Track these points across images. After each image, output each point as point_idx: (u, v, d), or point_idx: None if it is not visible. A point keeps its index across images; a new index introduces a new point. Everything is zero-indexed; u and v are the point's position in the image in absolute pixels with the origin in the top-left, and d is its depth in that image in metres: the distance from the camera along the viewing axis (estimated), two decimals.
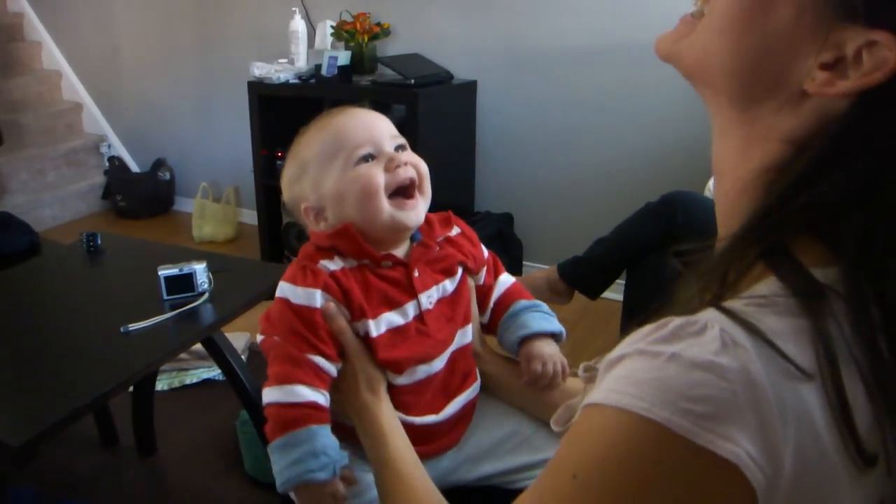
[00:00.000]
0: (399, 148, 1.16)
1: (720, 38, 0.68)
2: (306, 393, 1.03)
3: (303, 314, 1.06)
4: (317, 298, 1.07)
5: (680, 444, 0.55)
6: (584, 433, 0.62)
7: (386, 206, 1.10)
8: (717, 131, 0.73)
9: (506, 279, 1.29)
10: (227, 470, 2.41)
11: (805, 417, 0.56)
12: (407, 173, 1.12)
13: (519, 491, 1.19)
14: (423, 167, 1.16)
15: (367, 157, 1.12)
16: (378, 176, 1.10)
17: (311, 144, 1.16)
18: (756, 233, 0.65)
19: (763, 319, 0.59)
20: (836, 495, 0.58)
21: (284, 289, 1.09)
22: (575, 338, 3.13)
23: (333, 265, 1.10)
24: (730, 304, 0.62)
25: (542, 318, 1.23)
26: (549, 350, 1.20)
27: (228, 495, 2.32)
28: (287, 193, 1.21)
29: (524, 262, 3.79)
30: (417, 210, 1.14)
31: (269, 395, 1.04)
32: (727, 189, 0.72)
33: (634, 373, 0.59)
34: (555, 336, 1.22)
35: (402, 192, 1.12)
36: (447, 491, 1.06)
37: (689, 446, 0.55)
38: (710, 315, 0.60)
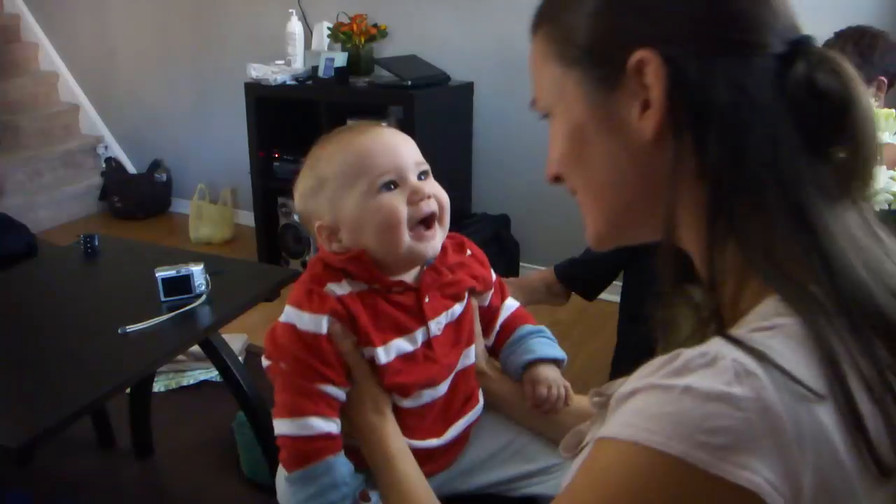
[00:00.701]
0: (422, 175, 1.13)
1: (589, 192, 0.78)
2: (320, 425, 1.04)
3: (310, 341, 1.05)
4: (323, 325, 1.05)
5: (699, 477, 0.56)
6: (601, 467, 0.62)
7: (406, 238, 1.07)
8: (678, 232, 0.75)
9: (511, 303, 1.29)
10: (224, 471, 2.41)
11: (822, 439, 0.57)
12: (430, 207, 1.09)
13: (514, 500, 1.20)
14: (445, 199, 1.13)
15: (390, 185, 1.08)
16: (401, 208, 1.07)
17: (332, 161, 1.12)
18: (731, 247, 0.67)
19: (771, 345, 0.60)
20: None
21: (290, 314, 1.07)
22: (572, 339, 3.13)
23: (341, 290, 1.08)
24: (736, 332, 0.63)
25: (546, 343, 1.23)
26: (552, 374, 1.20)
27: (225, 497, 2.32)
28: (300, 204, 1.18)
29: (521, 264, 3.80)
30: (436, 242, 1.11)
31: (282, 426, 1.04)
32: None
33: (649, 407, 0.60)
34: (557, 362, 1.23)
35: (422, 222, 1.10)
36: (447, 500, 1.07)
37: (708, 478, 0.55)
38: (719, 346, 0.61)
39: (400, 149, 1.12)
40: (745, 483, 0.55)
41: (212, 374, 2.87)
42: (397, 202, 1.07)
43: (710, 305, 0.69)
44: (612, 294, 2.53)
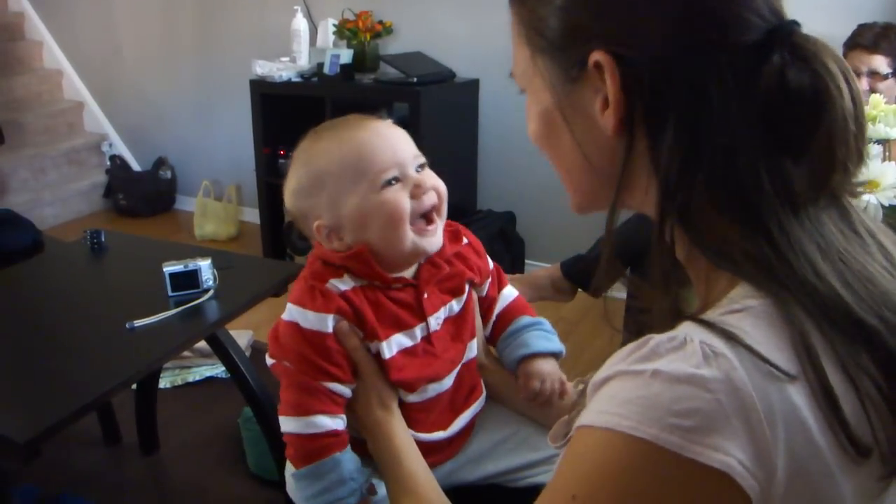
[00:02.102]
0: (420, 167, 1.12)
1: (561, 167, 0.80)
2: (326, 422, 1.04)
3: (314, 340, 1.05)
4: (328, 323, 1.05)
5: (670, 459, 0.56)
6: (579, 455, 0.63)
7: (410, 233, 1.07)
8: (611, 209, 0.76)
9: (509, 293, 1.28)
10: (230, 467, 2.41)
11: (794, 418, 0.57)
12: (431, 200, 1.09)
13: (519, 490, 1.20)
14: (443, 189, 1.13)
15: (393, 181, 1.08)
16: (405, 203, 1.07)
17: (329, 158, 1.10)
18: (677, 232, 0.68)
19: (740, 326, 0.60)
20: (833, 489, 0.58)
21: (294, 312, 1.07)
22: (577, 336, 3.13)
23: (344, 285, 1.08)
24: (707, 315, 0.63)
25: (543, 336, 1.22)
26: (547, 368, 1.19)
27: (231, 493, 2.32)
28: (294, 203, 1.15)
29: (526, 261, 3.80)
30: (438, 235, 1.11)
31: (288, 424, 1.05)
32: None
33: (619, 393, 0.61)
34: (555, 355, 1.22)
35: (424, 215, 1.10)
36: (450, 490, 1.07)
37: (679, 460, 0.56)
38: (687, 329, 0.61)
39: (398, 143, 1.11)
40: (717, 464, 0.55)
41: (217, 370, 2.87)
42: (401, 197, 1.07)
43: (670, 295, 0.69)
44: (617, 291, 2.52)
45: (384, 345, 1.08)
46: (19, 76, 5.09)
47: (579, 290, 2.48)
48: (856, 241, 0.66)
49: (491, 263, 1.26)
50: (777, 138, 0.64)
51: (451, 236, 1.19)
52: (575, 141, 0.74)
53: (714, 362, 0.57)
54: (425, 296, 1.12)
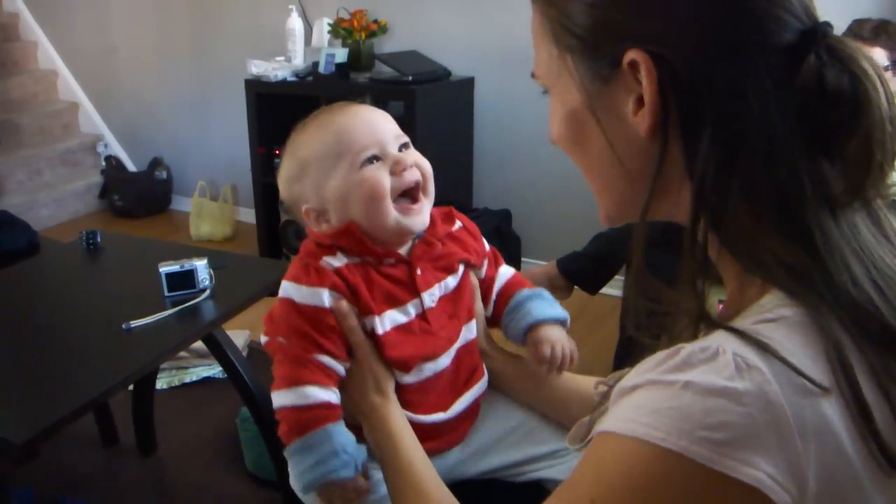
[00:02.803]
0: (403, 147, 1.13)
1: (589, 173, 0.78)
2: (318, 393, 1.03)
3: (308, 314, 1.05)
4: (324, 298, 1.05)
5: (700, 473, 0.55)
6: (602, 460, 0.62)
7: (392, 210, 1.08)
8: (643, 210, 0.74)
9: (506, 270, 1.28)
10: (228, 468, 2.41)
11: (826, 432, 0.56)
12: (413, 176, 1.10)
13: (523, 484, 1.20)
14: (428, 167, 1.13)
15: (372, 159, 1.09)
16: (384, 180, 1.08)
17: (311, 143, 1.13)
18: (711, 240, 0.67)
19: (774, 337, 0.59)
20: (864, 503, 0.58)
21: (288, 288, 1.07)
22: (574, 333, 3.11)
23: (337, 261, 1.08)
24: (739, 323, 0.62)
25: (546, 304, 1.22)
26: (556, 334, 1.18)
27: (229, 493, 2.32)
28: (285, 191, 1.17)
29: (523, 259, 3.80)
30: (423, 214, 1.12)
31: (280, 398, 1.04)
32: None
33: (649, 402, 0.60)
34: (560, 322, 1.21)
35: (408, 194, 1.10)
36: (452, 485, 1.06)
37: (709, 474, 0.55)
38: (720, 339, 0.61)
39: (379, 123, 1.13)
40: (748, 479, 0.55)
41: (214, 370, 2.87)
42: (380, 174, 1.08)
43: (701, 299, 0.68)
44: (614, 289, 2.53)
45: (377, 320, 1.08)
46: (14, 77, 5.08)
47: (576, 287, 2.48)
48: (887, 245, 0.66)
49: (487, 245, 1.26)
50: (815, 140, 0.64)
51: (445, 217, 1.19)
52: (606, 143, 0.72)
53: (747, 375, 0.56)
54: (418, 272, 1.12)
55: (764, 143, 0.63)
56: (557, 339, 1.18)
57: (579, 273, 2.44)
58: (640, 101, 0.67)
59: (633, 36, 0.66)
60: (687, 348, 0.61)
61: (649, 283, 0.73)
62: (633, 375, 0.63)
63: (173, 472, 2.49)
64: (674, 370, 0.60)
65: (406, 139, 1.14)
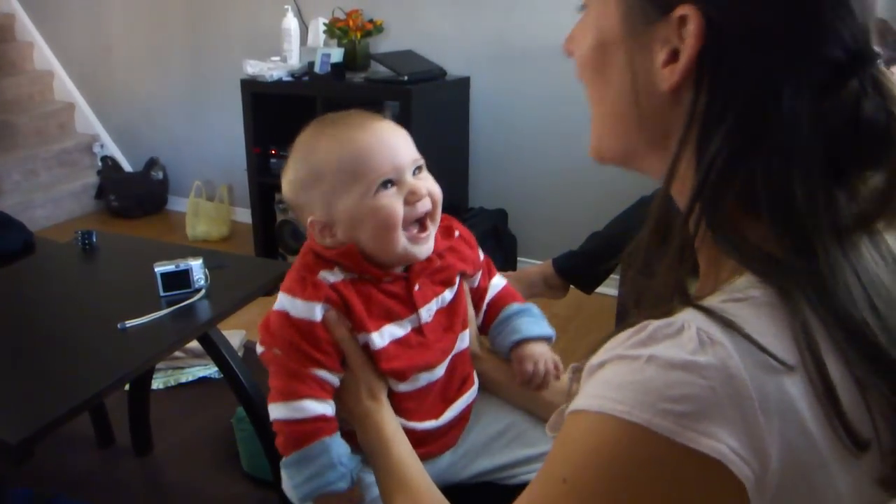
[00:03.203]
0: (417, 170, 1.12)
1: (598, 105, 0.75)
2: (314, 407, 1.04)
3: (303, 328, 1.06)
4: (317, 312, 1.06)
5: (663, 445, 0.56)
6: (571, 439, 0.63)
7: (402, 239, 1.08)
8: (670, 184, 0.73)
9: (498, 281, 1.29)
10: (224, 468, 2.41)
11: (789, 410, 0.57)
12: (425, 207, 1.10)
13: (515, 487, 1.20)
14: (439, 194, 1.13)
15: (388, 184, 1.08)
16: (398, 209, 1.07)
17: (328, 156, 1.10)
18: (691, 220, 0.66)
19: (740, 314, 0.60)
20: (829, 482, 0.58)
21: (284, 301, 1.08)
22: (570, 333, 3.13)
23: (334, 277, 1.09)
24: (707, 301, 0.62)
25: (533, 322, 1.24)
26: (539, 350, 1.21)
27: (225, 493, 2.32)
28: (291, 194, 1.16)
29: (518, 258, 3.80)
30: (430, 242, 1.12)
31: (277, 411, 1.05)
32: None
33: (615, 377, 0.60)
34: (545, 339, 1.23)
35: (417, 221, 1.10)
36: (446, 488, 1.07)
37: (672, 446, 0.56)
38: (686, 315, 0.61)
39: (398, 147, 1.11)
40: (709, 451, 0.55)
41: (210, 370, 2.87)
42: (395, 203, 1.08)
43: (677, 276, 0.68)
44: (610, 288, 2.53)
45: (375, 336, 1.09)
46: (10, 77, 5.07)
47: (571, 286, 2.48)
48: (885, 269, 0.65)
49: (482, 255, 1.27)
50: (834, 163, 0.63)
51: (444, 231, 1.19)
52: (624, 84, 0.70)
53: (710, 349, 0.57)
54: (416, 288, 1.13)
55: (785, 147, 0.62)
56: (540, 356, 1.20)
57: (575, 272, 2.44)
58: (673, 55, 0.65)
59: None
60: (653, 324, 0.61)
61: (651, 257, 0.72)
62: (602, 353, 0.64)
63: (169, 472, 2.49)
64: (639, 345, 0.60)
65: (421, 161, 1.13)
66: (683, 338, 0.59)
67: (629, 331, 0.63)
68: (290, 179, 1.16)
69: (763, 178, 0.62)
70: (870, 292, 0.62)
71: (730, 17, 0.62)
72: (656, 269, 0.70)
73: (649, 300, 0.69)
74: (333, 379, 1.08)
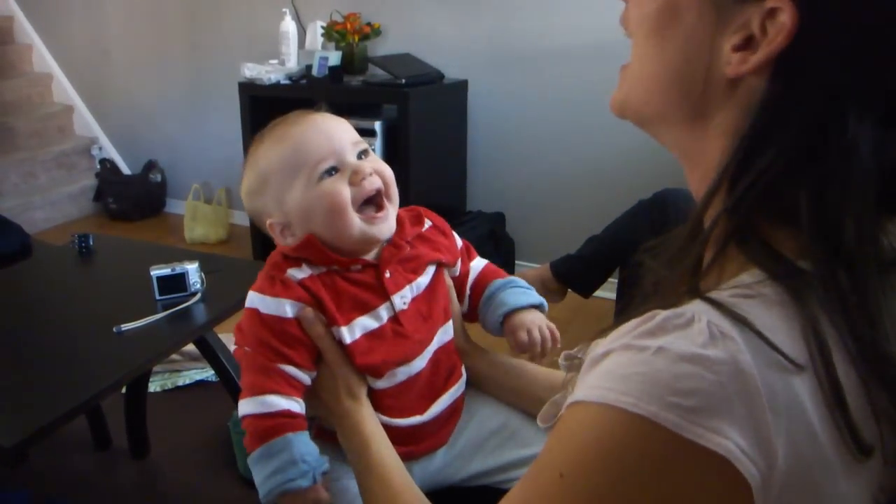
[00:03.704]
0: (362, 154, 1.12)
1: (645, 63, 0.71)
2: (279, 402, 1.03)
3: (272, 324, 1.05)
4: (286, 308, 1.05)
5: (668, 439, 0.55)
6: (570, 431, 0.61)
7: (356, 221, 1.07)
8: (685, 162, 0.72)
9: (478, 263, 1.27)
10: (220, 471, 2.40)
11: (797, 409, 0.56)
12: (373, 185, 1.09)
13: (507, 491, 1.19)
14: (388, 172, 1.12)
15: (331, 171, 1.08)
16: (344, 191, 1.07)
17: (269, 156, 1.12)
18: (721, 221, 0.65)
19: (751, 311, 0.59)
20: (833, 486, 0.57)
21: (253, 299, 1.07)
22: (568, 337, 3.11)
23: (301, 273, 1.08)
24: (716, 294, 0.61)
25: (519, 292, 1.21)
26: (531, 317, 1.18)
27: (222, 496, 2.31)
28: (248, 204, 1.17)
29: (516, 262, 3.80)
30: (388, 220, 1.11)
31: (244, 406, 1.04)
32: (698, 184, 0.72)
33: (620, 367, 0.59)
34: (536, 307, 1.21)
35: (371, 201, 1.10)
36: (437, 492, 1.06)
37: (677, 440, 0.55)
38: (696, 307, 0.60)
39: (334, 133, 1.11)
40: (715, 447, 0.54)
41: (207, 373, 2.87)
42: (339, 186, 1.07)
43: (686, 266, 0.67)
44: (608, 292, 2.53)
45: (345, 330, 1.07)
46: (9, 80, 5.07)
47: (569, 290, 2.49)
48: None
49: (459, 241, 1.26)
50: (887, 197, 0.62)
51: (413, 220, 1.19)
52: (683, 54, 0.67)
53: (721, 343, 0.56)
54: (387, 274, 1.11)
55: (842, 174, 0.60)
56: (533, 323, 1.18)
57: (572, 275, 2.45)
58: (746, 42, 0.63)
59: None
60: (662, 314, 0.60)
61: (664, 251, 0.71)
62: (607, 342, 0.62)
63: (166, 475, 2.48)
64: (647, 335, 0.59)
65: (365, 146, 1.13)
66: (693, 330, 0.58)
67: (636, 320, 0.61)
68: (244, 191, 1.17)
69: (810, 199, 0.61)
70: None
71: (825, 24, 0.60)
72: (671, 259, 0.69)
73: (662, 289, 0.67)
74: (303, 376, 1.06)
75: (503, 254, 3.71)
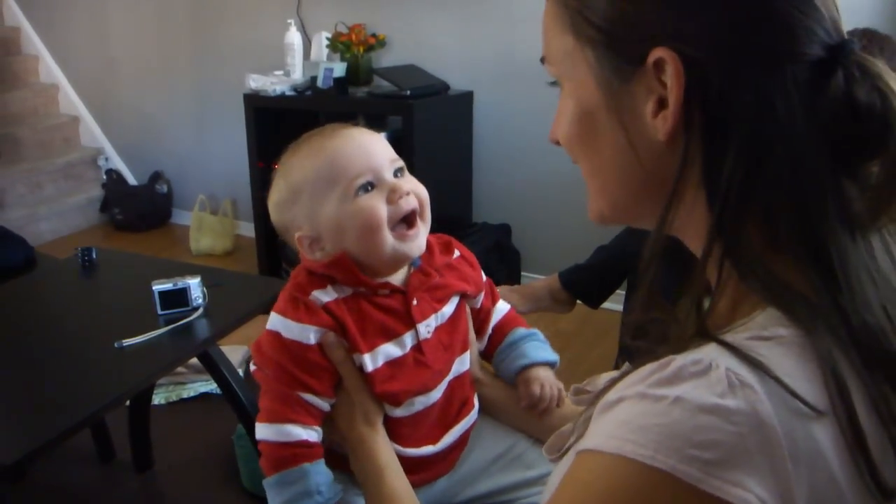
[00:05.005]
0: (398, 171, 1.10)
1: (595, 174, 0.74)
2: (298, 432, 1.03)
3: (294, 350, 1.04)
4: (310, 336, 1.04)
5: (688, 493, 0.53)
6: (582, 481, 0.60)
7: (389, 239, 1.05)
8: (680, 235, 0.72)
9: (502, 306, 1.27)
10: (224, 484, 2.40)
11: (818, 457, 0.55)
12: (410, 205, 1.06)
13: None
14: (424, 193, 1.10)
15: (367, 187, 1.06)
16: (380, 209, 1.05)
17: (303, 169, 1.10)
18: (716, 247, 0.64)
19: (769, 356, 0.57)
20: None
21: (276, 322, 1.06)
22: (574, 349, 3.12)
23: (327, 296, 1.06)
24: (731, 337, 0.60)
25: (539, 347, 1.23)
26: (545, 374, 1.20)
27: None
28: (276, 216, 1.15)
29: (523, 273, 3.79)
30: (419, 239, 1.09)
31: (262, 431, 1.04)
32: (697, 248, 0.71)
33: (636, 418, 0.57)
34: (550, 364, 1.22)
35: (404, 220, 1.08)
36: None
37: (697, 494, 0.53)
38: (712, 352, 0.58)
39: (372, 148, 1.09)
40: (736, 500, 0.53)
41: (212, 386, 2.86)
42: (376, 203, 1.05)
43: (695, 310, 0.65)
44: (615, 304, 2.51)
45: (367, 357, 1.06)
46: (15, 91, 5.10)
47: (578, 301, 2.47)
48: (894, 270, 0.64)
49: (484, 277, 1.25)
50: (839, 159, 0.62)
51: (443, 248, 1.18)
52: (617, 146, 0.68)
53: (740, 392, 0.55)
54: (414, 302, 1.10)
55: (790, 158, 0.61)
56: (546, 380, 1.19)
57: (582, 286, 2.43)
58: (660, 103, 0.64)
59: (663, 34, 0.63)
60: (678, 360, 0.58)
61: (657, 299, 0.70)
62: (620, 388, 0.61)
63: (170, 487, 2.48)
64: (664, 384, 0.57)
65: (401, 163, 1.11)
66: (711, 378, 0.56)
67: (650, 366, 0.60)
68: (273, 203, 1.15)
69: (777, 191, 0.61)
70: (883, 295, 0.61)
71: (703, 47, 0.62)
72: (674, 311, 0.67)
73: (670, 339, 0.66)
74: (322, 404, 1.06)
75: (509, 265, 3.70)
